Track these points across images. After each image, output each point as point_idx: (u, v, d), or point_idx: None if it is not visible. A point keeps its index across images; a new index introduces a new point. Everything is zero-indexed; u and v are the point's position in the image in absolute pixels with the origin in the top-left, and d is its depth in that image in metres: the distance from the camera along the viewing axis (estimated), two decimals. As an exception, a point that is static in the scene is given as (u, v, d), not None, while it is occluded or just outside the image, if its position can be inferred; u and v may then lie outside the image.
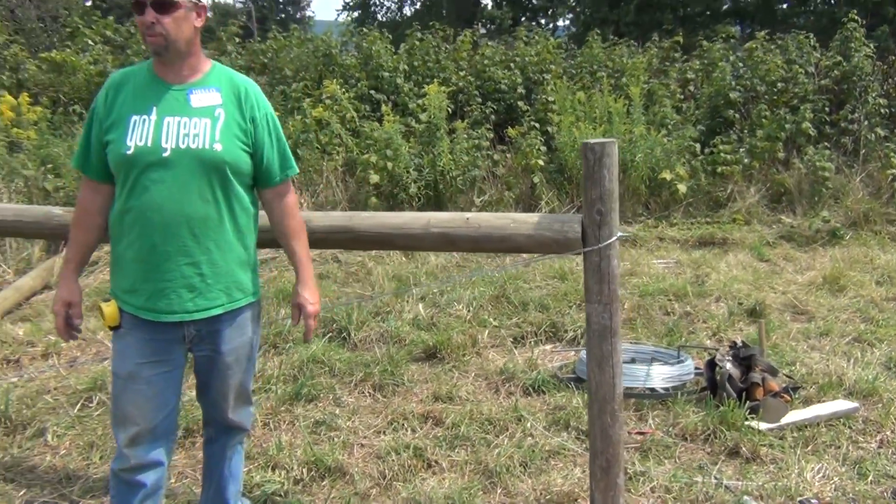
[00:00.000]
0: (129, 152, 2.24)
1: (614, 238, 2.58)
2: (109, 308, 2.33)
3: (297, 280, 2.57)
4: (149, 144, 2.25)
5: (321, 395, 3.93)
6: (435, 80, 9.50)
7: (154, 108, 2.28)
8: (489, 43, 11.71)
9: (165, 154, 2.25)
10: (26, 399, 3.84)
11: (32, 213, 3.10)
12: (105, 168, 2.35)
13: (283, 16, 47.25)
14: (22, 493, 3.09)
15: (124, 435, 2.35)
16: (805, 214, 8.09)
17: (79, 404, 3.82)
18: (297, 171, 2.60)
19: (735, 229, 7.68)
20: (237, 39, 11.46)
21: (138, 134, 2.25)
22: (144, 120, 2.27)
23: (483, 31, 34.21)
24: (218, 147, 2.30)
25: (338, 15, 36.97)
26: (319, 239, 2.81)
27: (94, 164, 2.36)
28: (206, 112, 2.32)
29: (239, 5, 52.59)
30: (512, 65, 10.55)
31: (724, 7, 29.21)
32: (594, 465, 2.71)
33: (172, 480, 3.18)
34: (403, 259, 6.63)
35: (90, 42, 10.42)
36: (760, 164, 8.75)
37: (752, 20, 28.63)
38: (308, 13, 52.10)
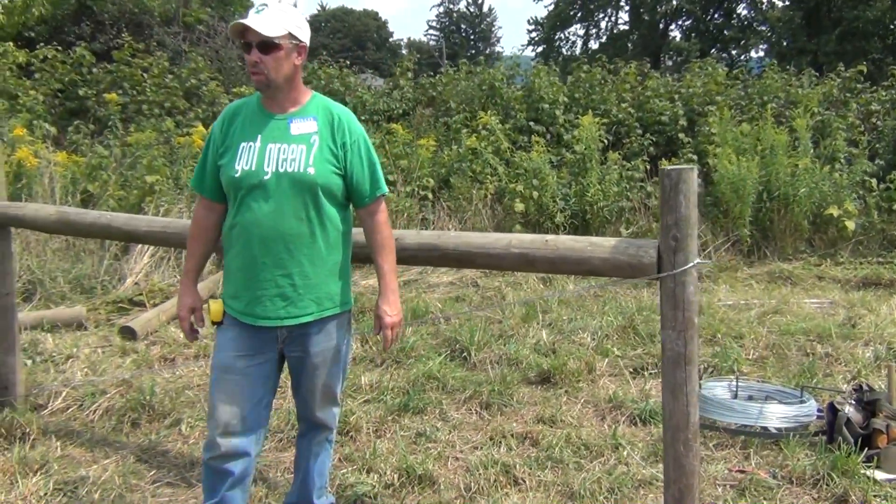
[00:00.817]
0: (237, 175, 2.52)
1: (690, 265, 2.56)
2: (215, 305, 2.63)
3: (379, 293, 2.76)
4: (252, 168, 2.51)
5: (428, 408, 4.10)
6: (592, 111, 9.52)
7: (259, 136, 2.55)
8: (655, 75, 11.56)
9: (266, 177, 2.51)
10: (171, 392, 4.30)
11: (176, 226, 3.52)
12: (219, 188, 2.63)
13: (473, 52, 48.79)
14: (152, 472, 3.49)
15: (216, 424, 2.59)
16: None
17: (214, 400, 4.23)
18: (387, 191, 2.80)
19: (908, 271, 7.09)
20: (409, 75, 12.08)
21: (245, 159, 2.53)
22: (251, 146, 2.54)
23: (670, 62, 33.76)
24: (311, 171, 2.53)
25: (522, 50, 37.52)
26: (410, 255, 2.99)
27: (209, 185, 2.65)
28: (303, 139, 2.56)
29: (432, 42, 55.10)
30: (676, 96, 10.38)
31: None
32: (667, 495, 2.67)
33: (274, 471, 3.47)
34: (541, 286, 6.71)
35: (278, 79, 11.35)
36: (946, 201, 8.02)
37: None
38: (498, 48, 53.41)
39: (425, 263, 3.08)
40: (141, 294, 6.36)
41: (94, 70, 11.05)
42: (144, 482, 3.40)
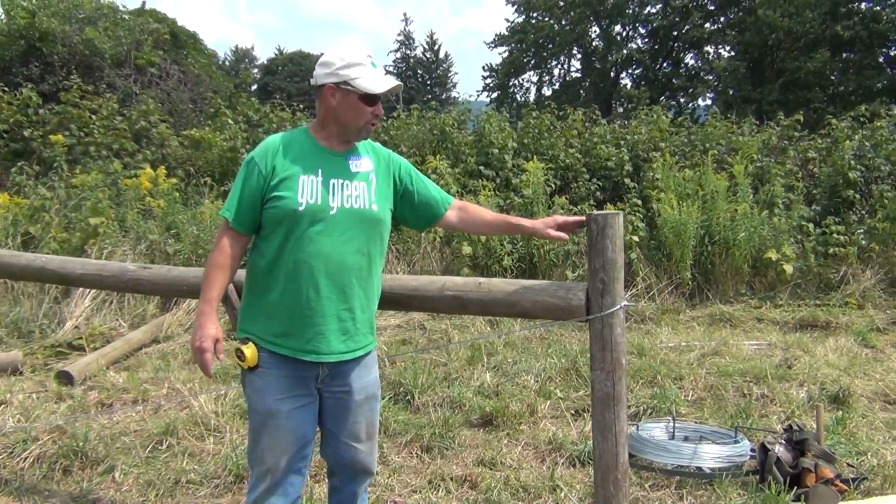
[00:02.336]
0: (301, 208, 2.49)
1: (617, 307, 2.62)
2: (250, 350, 2.52)
3: (523, 226, 2.85)
4: (318, 202, 2.52)
5: (369, 452, 4.08)
6: (536, 156, 9.71)
7: (320, 171, 2.56)
8: (602, 122, 11.86)
9: (332, 212, 2.53)
10: (106, 439, 4.21)
11: (111, 269, 3.50)
12: (252, 221, 2.57)
13: (429, 96, 49.31)
14: (82, 520, 3.41)
15: (263, 468, 2.54)
16: (928, 301, 7.59)
17: (150, 447, 4.15)
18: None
19: (843, 313, 7.30)
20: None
21: (308, 192, 2.52)
22: (313, 180, 2.54)
23: (621, 109, 34.59)
24: (375, 207, 2.62)
25: (477, 96, 38.12)
26: (344, 298, 3.01)
27: (244, 217, 2.56)
28: (363, 176, 2.64)
29: (388, 87, 55.60)
30: (622, 142, 10.64)
31: (878, 85, 28.04)
32: (598, 535, 2.71)
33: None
34: (487, 328, 6.76)
35: (230, 121, 11.40)
36: (880, 246, 8.31)
37: (909, 98, 27.28)
38: (454, 94, 54.03)
39: (360, 306, 3.09)
40: (81, 338, 6.24)
41: (41, 111, 10.94)
42: (72, 531, 3.32)
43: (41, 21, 12.98)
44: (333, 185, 2.56)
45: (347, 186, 2.58)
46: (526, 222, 2.82)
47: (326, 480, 2.87)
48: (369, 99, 2.56)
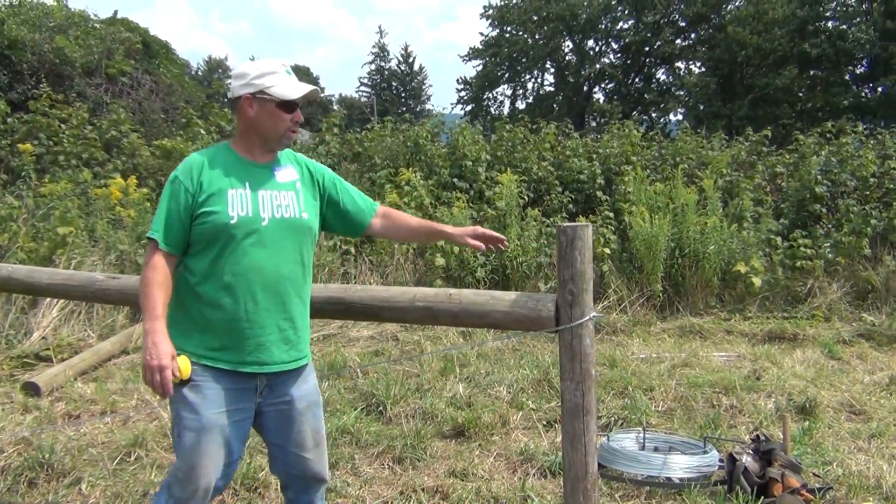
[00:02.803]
0: (233, 221, 2.49)
1: (586, 318, 2.65)
2: (184, 362, 2.44)
3: (446, 232, 2.93)
4: (249, 215, 2.53)
5: (340, 463, 4.06)
6: (509, 169, 9.77)
7: (247, 183, 2.57)
8: (575, 135, 11.96)
9: (264, 223, 2.55)
10: (73, 450, 4.16)
11: (79, 278, 3.46)
12: (182, 241, 2.52)
13: (404, 109, 49.44)
14: (47, 534, 3.36)
15: (196, 489, 2.49)
16: (892, 314, 7.73)
17: (118, 458, 4.10)
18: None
19: (811, 325, 7.42)
20: (335, 130, 12.19)
21: (238, 205, 2.52)
22: (241, 193, 2.55)
23: (594, 123, 34.93)
24: (305, 215, 2.66)
25: (452, 108, 38.28)
26: (317, 309, 3.00)
27: (173, 237, 2.50)
28: (290, 186, 2.67)
29: (364, 98, 55.65)
30: (594, 156, 10.74)
31: (845, 102, 28.59)
32: (568, 545, 2.72)
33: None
34: (461, 340, 6.77)
35: (202, 132, 11.34)
36: (846, 259, 8.46)
37: (875, 115, 27.84)
38: (428, 106, 54.23)
39: (332, 317, 3.09)
40: (48, 349, 6.15)
41: (10, 120, 10.81)
42: (37, 545, 3.27)
43: (10, 29, 12.82)
44: (262, 196, 2.58)
45: (276, 197, 2.61)
46: (448, 228, 2.92)
47: (279, 494, 2.84)
48: (287, 106, 2.59)
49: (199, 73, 50.58)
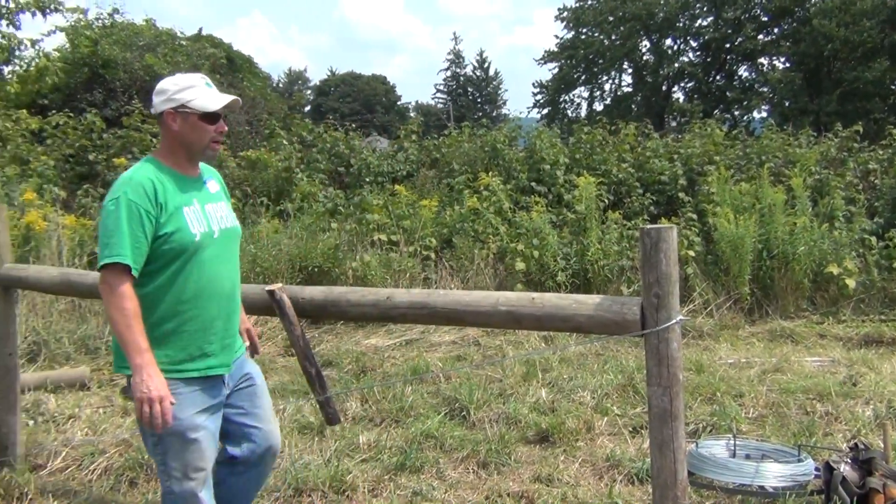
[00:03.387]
0: (197, 239, 2.62)
1: (673, 321, 2.61)
2: None
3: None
4: (207, 229, 2.67)
5: (425, 467, 4.10)
6: (588, 172, 9.70)
7: (195, 199, 2.69)
8: (655, 136, 11.77)
9: (216, 236, 2.70)
10: (170, 452, 4.32)
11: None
12: (143, 262, 2.55)
13: (480, 114, 49.56)
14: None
15: (192, 483, 2.62)
16: None
17: (212, 460, 4.25)
18: None
19: (912, 329, 7.09)
20: (413, 137, 12.34)
21: (196, 222, 2.64)
22: (194, 210, 2.66)
23: (674, 123, 34.23)
24: (237, 223, 2.90)
25: (528, 112, 38.17)
26: (401, 314, 3.05)
27: (139, 260, 2.53)
28: (219, 196, 2.85)
29: (440, 105, 56.07)
30: (676, 156, 10.54)
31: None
32: (658, 553, 2.68)
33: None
34: (543, 344, 6.74)
35: (284, 142, 11.65)
36: (951, 258, 8.05)
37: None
38: (504, 110, 54.20)
39: (415, 321, 3.14)
40: (143, 355, 6.40)
41: (105, 135, 11.32)
42: (139, 543, 3.41)
43: (104, 49, 13.45)
44: (209, 210, 2.71)
45: (216, 209, 2.75)
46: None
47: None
48: (209, 117, 2.67)
49: (281, 85, 51.91)
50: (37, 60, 12.26)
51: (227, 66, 16.20)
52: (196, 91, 2.67)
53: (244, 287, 3.55)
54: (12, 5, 11.78)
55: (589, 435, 4.60)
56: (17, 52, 12.08)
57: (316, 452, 4.32)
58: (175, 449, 2.60)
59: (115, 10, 15.67)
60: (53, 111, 11.68)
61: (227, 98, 2.71)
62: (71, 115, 11.72)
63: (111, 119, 12.32)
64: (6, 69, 12.34)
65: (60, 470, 4.19)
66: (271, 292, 3.24)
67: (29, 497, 3.78)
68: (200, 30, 18.28)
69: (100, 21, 15.17)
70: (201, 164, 2.84)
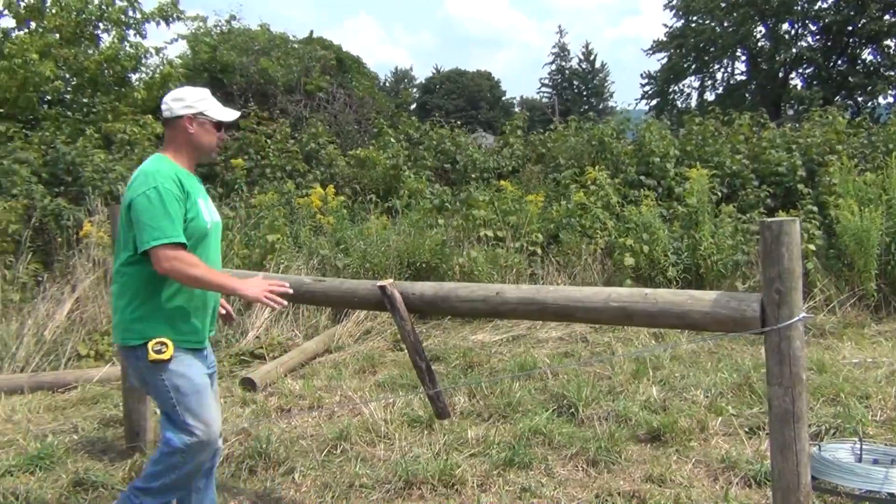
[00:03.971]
0: (209, 226, 3.05)
1: (796, 319, 2.51)
2: (169, 344, 2.95)
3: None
4: (214, 219, 3.13)
5: (534, 463, 4.09)
6: (700, 164, 9.40)
7: (200, 192, 3.09)
8: (771, 125, 11.29)
9: (212, 227, 3.09)
10: (286, 442, 4.48)
11: (290, 282, 3.72)
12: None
13: (586, 107, 48.84)
14: (266, 518, 3.65)
15: (214, 427, 2.99)
16: None
17: (326, 450, 4.37)
18: None
19: None
20: (519, 132, 12.30)
21: (206, 211, 3.05)
22: (202, 201, 3.06)
23: (791, 112, 32.70)
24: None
25: (636, 104, 37.33)
26: (511, 309, 3.06)
27: (185, 237, 2.95)
28: (207, 193, 3.22)
29: (545, 99, 55.62)
30: (794, 146, 10.08)
31: None
32: (779, 559, 2.59)
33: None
34: (652, 341, 6.59)
35: (392, 140, 11.85)
36: None
37: None
38: (611, 103, 53.20)
39: (525, 317, 3.14)
40: (261, 347, 6.67)
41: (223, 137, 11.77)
42: (259, 528, 3.55)
43: (222, 55, 14.02)
44: (209, 203, 3.13)
45: (210, 204, 3.14)
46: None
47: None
48: (220, 126, 3.14)
49: (387, 84, 52.70)
50: (161, 67, 12.88)
51: (337, 66, 16.57)
52: (210, 103, 3.11)
53: (355, 283, 3.68)
54: (139, 16, 12.45)
55: (703, 435, 4.47)
56: (143, 60, 12.74)
57: (425, 446, 4.38)
58: (193, 407, 2.94)
59: (233, 17, 16.31)
60: (175, 116, 12.22)
61: (236, 113, 3.23)
62: (192, 118, 12.23)
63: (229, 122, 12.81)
64: (134, 77, 13.01)
65: (186, 456, 4.40)
66: (382, 288, 3.31)
67: (158, 481, 3.99)
68: (311, 32, 18.73)
69: (218, 28, 15.83)
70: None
